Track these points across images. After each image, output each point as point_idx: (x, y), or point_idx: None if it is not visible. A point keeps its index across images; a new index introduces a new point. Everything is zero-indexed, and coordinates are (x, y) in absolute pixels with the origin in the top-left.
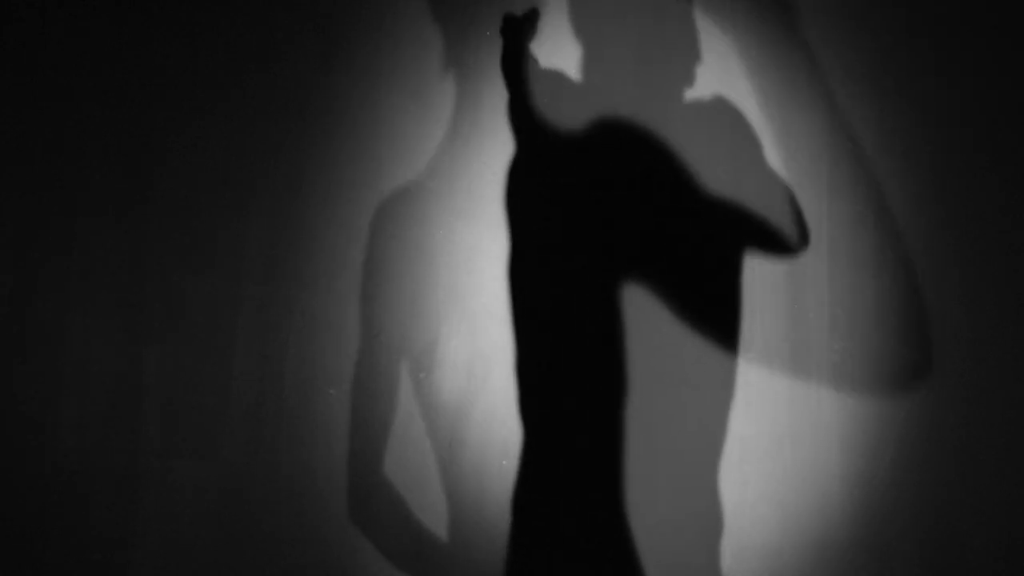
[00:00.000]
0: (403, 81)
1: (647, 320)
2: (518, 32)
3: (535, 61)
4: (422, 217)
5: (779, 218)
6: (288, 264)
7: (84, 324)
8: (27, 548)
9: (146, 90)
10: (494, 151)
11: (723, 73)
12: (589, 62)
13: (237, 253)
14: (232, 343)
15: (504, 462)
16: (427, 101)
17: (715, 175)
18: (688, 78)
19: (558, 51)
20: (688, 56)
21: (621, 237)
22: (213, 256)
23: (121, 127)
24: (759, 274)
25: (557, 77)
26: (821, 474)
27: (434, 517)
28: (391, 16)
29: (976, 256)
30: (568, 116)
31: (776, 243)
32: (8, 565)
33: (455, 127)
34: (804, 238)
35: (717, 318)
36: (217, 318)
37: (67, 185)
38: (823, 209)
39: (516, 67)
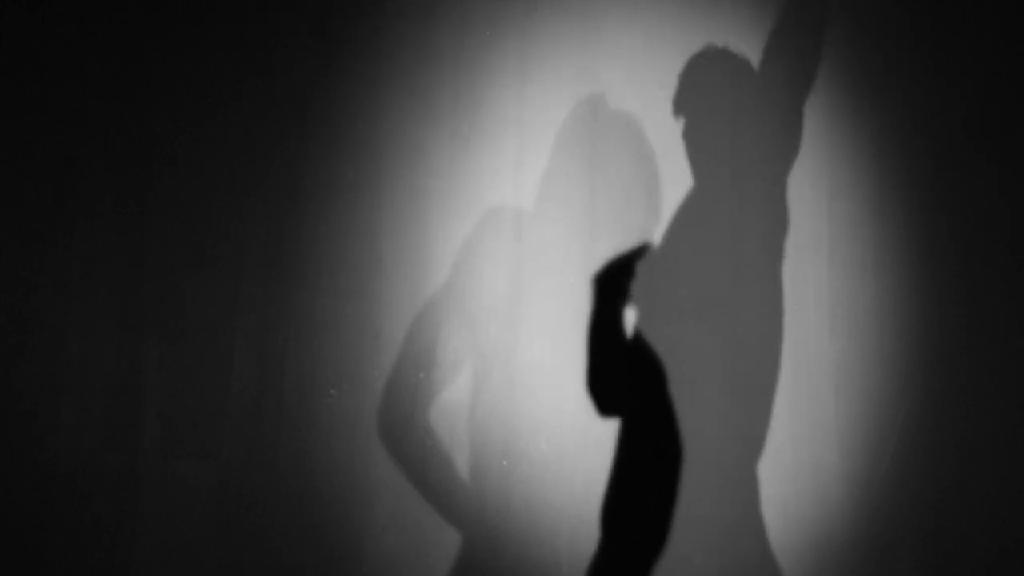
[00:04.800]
0: (403, 81)
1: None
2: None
3: None
4: (422, 217)
5: None
6: (288, 264)
7: (84, 324)
8: (27, 548)
9: (146, 90)
10: (494, 151)
11: (723, 74)
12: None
13: (237, 253)
14: (232, 343)
15: (504, 462)
16: (427, 101)
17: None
18: (689, 79)
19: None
20: (688, 58)
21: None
22: (213, 256)
23: (121, 127)
24: (759, 274)
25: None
26: (821, 474)
27: (434, 517)
28: (391, 16)
29: (976, 256)
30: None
31: None
32: (8, 565)
33: (455, 127)
34: None
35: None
36: (217, 318)
37: (67, 185)
38: (823, 209)
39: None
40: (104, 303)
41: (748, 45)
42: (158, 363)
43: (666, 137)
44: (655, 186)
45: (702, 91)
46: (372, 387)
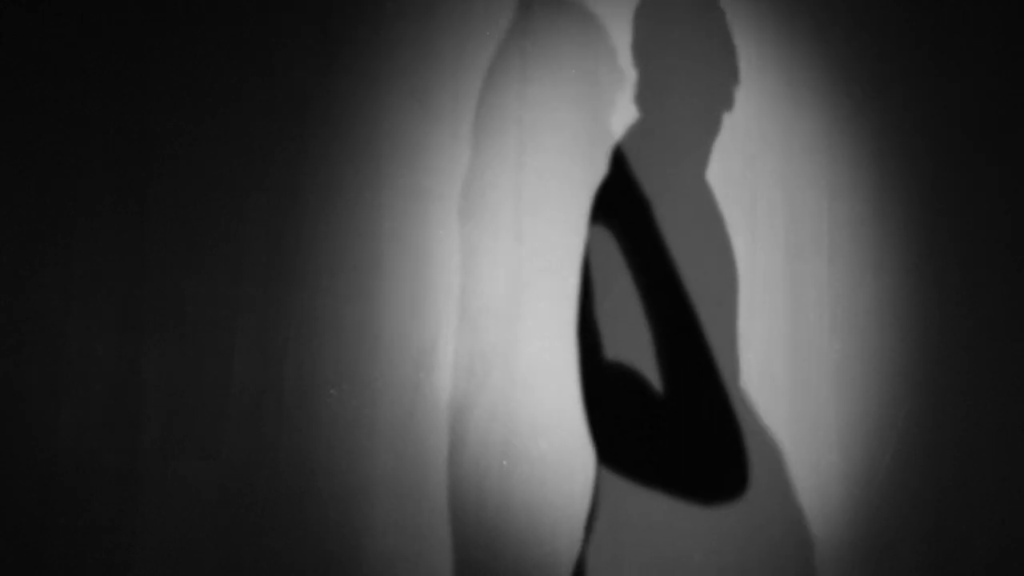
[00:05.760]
0: (403, 81)
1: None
2: None
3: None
4: (422, 217)
5: None
6: (288, 264)
7: (84, 324)
8: (27, 548)
9: (146, 90)
10: (494, 151)
11: (723, 74)
12: (594, 58)
13: (237, 253)
14: (232, 343)
15: (504, 462)
16: (427, 101)
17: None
18: (689, 80)
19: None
20: (688, 57)
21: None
22: (213, 256)
23: (121, 127)
24: (759, 274)
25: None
26: (821, 474)
27: (434, 517)
28: (391, 16)
29: (976, 256)
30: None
31: None
32: (8, 565)
33: (455, 127)
34: None
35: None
36: (217, 318)
37: (67, 185)
38: (823, 209)
39: None
40: (104, 303)
41: (748, 44)
42: (158, 363)
43: (667, 137)
44: (655, 186)
45: (701, 90)
46: (372, 387)
